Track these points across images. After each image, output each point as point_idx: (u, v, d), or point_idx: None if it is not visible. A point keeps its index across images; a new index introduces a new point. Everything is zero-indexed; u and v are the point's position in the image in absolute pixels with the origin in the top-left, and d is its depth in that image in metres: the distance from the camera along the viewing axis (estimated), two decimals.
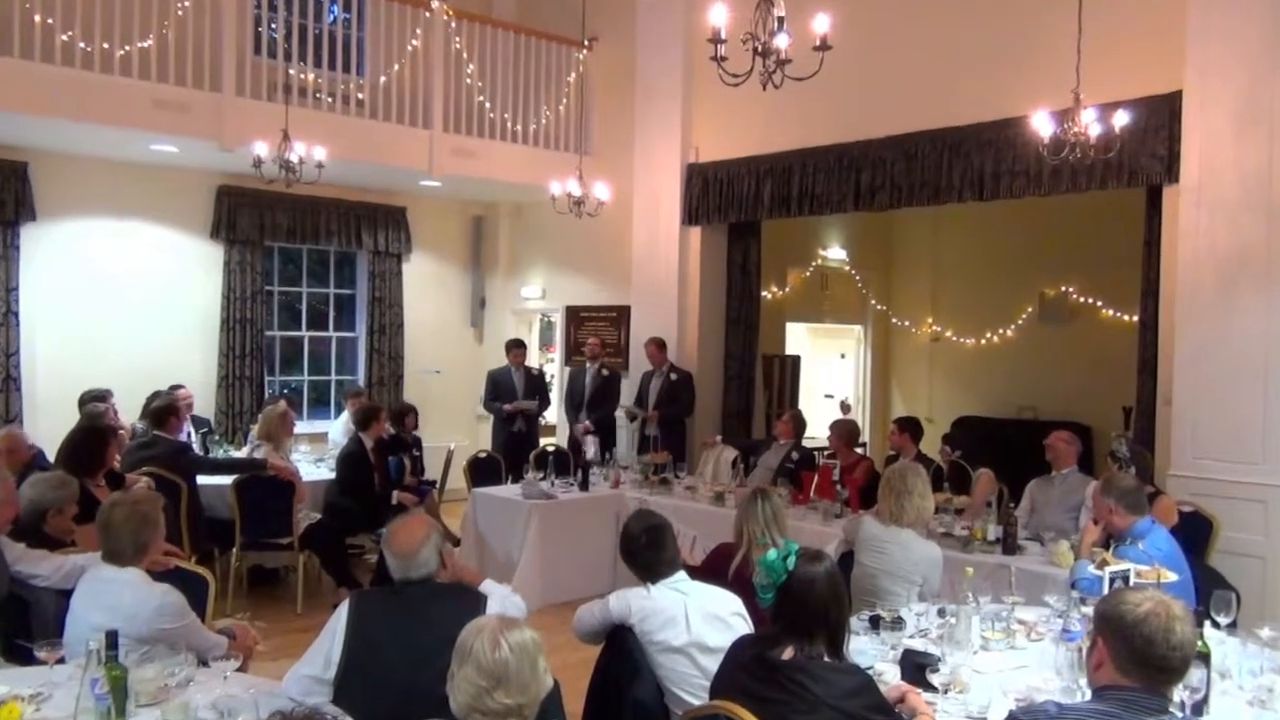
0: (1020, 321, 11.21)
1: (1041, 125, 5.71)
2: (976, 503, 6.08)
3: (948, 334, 11.98)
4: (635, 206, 9.72)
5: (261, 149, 7.35)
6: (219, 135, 8.17)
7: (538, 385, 9.48)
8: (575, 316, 10.84)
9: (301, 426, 9.51)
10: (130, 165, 9.13)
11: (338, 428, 8.94)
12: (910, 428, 6.93)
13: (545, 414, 10.44)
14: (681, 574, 3.59)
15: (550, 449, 8.72)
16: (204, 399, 9.43)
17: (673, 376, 8.97)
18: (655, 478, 7.49)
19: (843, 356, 13.08)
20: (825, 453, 7.34)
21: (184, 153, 8.69)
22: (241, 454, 7.63)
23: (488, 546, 7.26)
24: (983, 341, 11.59)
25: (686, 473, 7.84)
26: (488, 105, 9.80)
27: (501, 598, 3.37)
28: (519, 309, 11.60)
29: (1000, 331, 11.38)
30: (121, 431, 7.33)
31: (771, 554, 2.88)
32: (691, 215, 9.37)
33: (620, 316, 10.22)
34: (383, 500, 7.29)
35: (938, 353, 12.22)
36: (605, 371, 9.24)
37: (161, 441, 6.57)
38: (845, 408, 11.60)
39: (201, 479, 6.70)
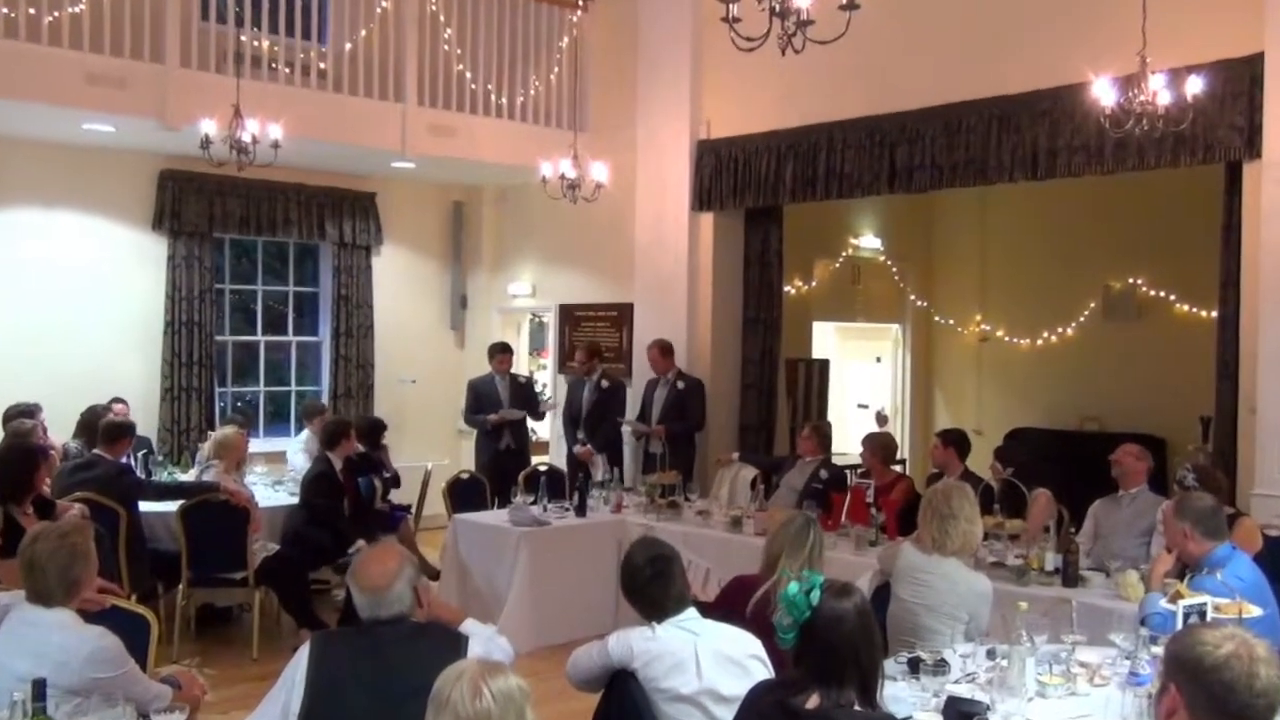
0: (1082, 319, 11.19)
1: (1103, 93, 5.70)
2: (1032, 527, 6.06)
3: (998, 333, 11.96)
4: (638, 190, 9.74)
5: (210, 127, 7.38)
6: (161, 112, 8.20)
7: (526, 395, 9.50)
8: (570, 317, 10.87)
9: (257, 445, 9.52)
10: (60, 148, 9.17)
11: (296, 448, 8.95)
12: (956, 442, 6.91)
13: (536, 427, 10.45)
14: (692, 611, 3.58)
15: (542, 468, 8.72)
16: (145, 414, 9.45)
17: (680, 385, 8.98)
18: (662, 501, 7.49)
19: (878, 360, 13.07)
20: (858, 471, 7.33)
21: (121, 133, 8.73)
22: (189, 477, 7.65)
23: (470, 580, 7.27)
24: (1039, 342, 11.56)
25: (698, 495, 7.84)
26: (468, 75, 9.83)
27: (485, 639, 3.37)
28: (506, 308, 11.63)
29: (1059, 330, 11.36)
30: (52, 452, 7.36)
31: (792, 587, 2.87)
32: (703, 199, 9.38)
33: (622, 316, 10.24)
34: (353, 527, 7.31)
35: (987, 355, 12.20)
36: (605, 383, 9.24)
37: (102, 463, 6.59)
38: (881, 419, 11.59)
39: (143, 505, 6.72)
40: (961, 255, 12.40)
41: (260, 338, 10.83)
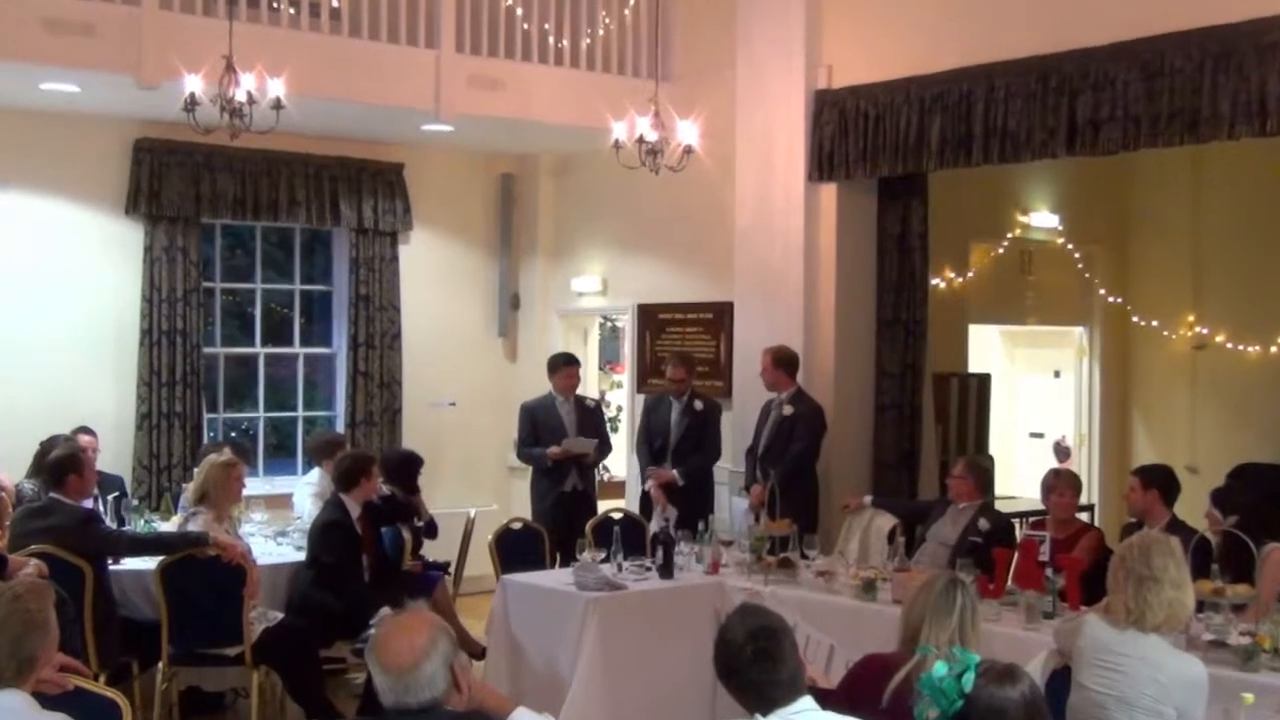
0: None
1: None
2: (1264, 595, 5.94)
3: (1218, 339, 11.75)
4: (738, 156, 9.73)
5: (195, 84, 7.49)
6: (136, 67, 8.36)
7: (596, 423, 9.55)
8: (652, 320, 10.90)
9: (256, 486, 9.68)
10: (11, 113, 9.41)
11: (304, 491, 9.07)
12: (1160, 482, 6.81)
13: (607, 463, 10.48)
14: (807, 701, 3.58)
15: (616, 516, 8.74)
16: (117, 447, 9.66)
17: (697, 405, 9.02)
18: (772, 558, 7.46)
19: (1057, 375, 12.91)
20: (1029, 520, 7.24)
21: (88, 93, 8.95)
22: (170, 526, 7.79)
23: (524, 659, 7.29)
24: (1272, 349, 11.34)
25: (819, 551, 7.80)
26: (519, 12, 9.92)
27: None
28: (569, 310, 11.70)
29: None
30: (2, 494, 7.56)
31: (939, 669, 2.87)
32: (823, 167, 9.34)
33: (718, 319, 10.24)
34: (375, 590, 7.39)
35: (1204, 367, 11.99)
36: (699, 404, 9.24)
37: (60, 509, 6.74)
38: (1063, 452, 11.42)
39: (114, 562, 6.85)
40: (1167, 236, 12.19)
41: (259, 350, 11.02)
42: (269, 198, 10.44)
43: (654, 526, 8.28)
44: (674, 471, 9.04)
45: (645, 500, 9.27)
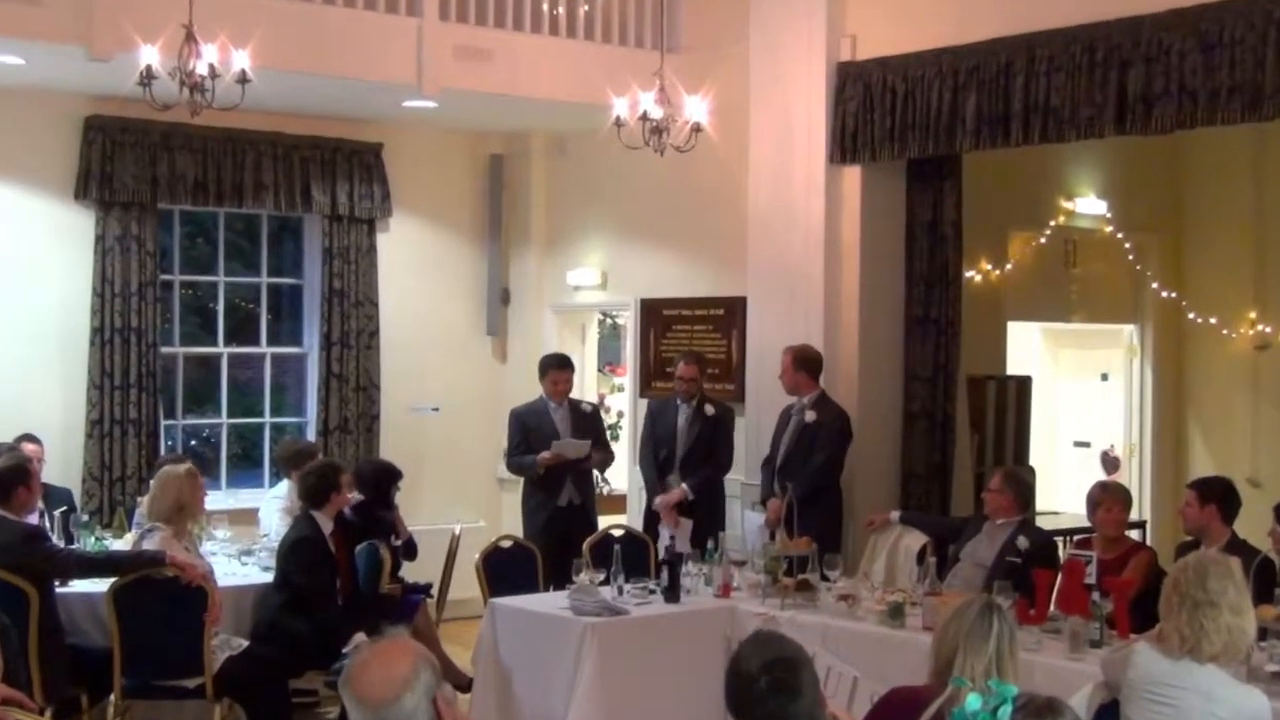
0: None
1: None
2: None
3: None
4: (753, 135, 9.73)
5: (152, 56, 7.50)
6: (87, 37, 8.37)
7: (594, 430, 9.55)
8: (657, 317, 10.91)
9: (218, 499, 9.70)
10: None
11: (272, 505, 9.09)
12: (1219, 496, 6.80)
13: (607, 475, 10.48)
14: None
15: (617, 533, 8.75)
16: (65, 457, 9.69)
17: (708, 410, 9.04)
18: (790, 580, 7.47)
19: (1104, 378, 12.90)
20: (1074, 538, 7.24)
21: (33, 66, 8.95)
22: (124, 544, 7.80)
23: (515, 691, 7.30)
24: None
25: (841, 572, 7.81)
26: None
27: None
28: (564, 305, 11.72)
29: None
30: (35, 463, 7.58)
31: (973, 702, 2.87)
32: (846, 147, 9.34)
33: (729, 316, 10.25)
34: (350, 615, 7.40)
35: (1267, 369, 11.98)
36: (710, 409, 9.25)
37: (2, 525, 6.74)
38: (1111, 463, 11.41)
39: (61, 585, 6.86)
40: (1227, 224, 12.19)
41: (222, 349, 11.05)
42: (233, 181, 10.45)
43: (663, 544, 8.27)
44: (683, 486, 9.04)
45: (650, 515, 9.29)
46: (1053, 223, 11.70)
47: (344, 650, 6.98)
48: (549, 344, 11.14)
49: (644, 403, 10.61)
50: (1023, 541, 7.34)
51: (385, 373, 11.13)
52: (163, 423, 10.35)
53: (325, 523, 7.58)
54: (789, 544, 7.82)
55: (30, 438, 8.76)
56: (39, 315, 9.94)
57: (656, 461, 9.31)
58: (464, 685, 7.52)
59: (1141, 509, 11.55)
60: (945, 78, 8.78)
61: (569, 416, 9.39)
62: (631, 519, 10.14)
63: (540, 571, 8.43)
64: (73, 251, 10.00)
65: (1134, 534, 8.80)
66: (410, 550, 8.58)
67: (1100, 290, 12.39)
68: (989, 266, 11.04)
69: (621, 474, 11.23)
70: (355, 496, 8.13)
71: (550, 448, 9.16)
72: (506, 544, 8.63)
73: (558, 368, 9.49)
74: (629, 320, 11.28)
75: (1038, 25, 8.31)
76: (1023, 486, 7.69)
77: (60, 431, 9.74)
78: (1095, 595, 6.44)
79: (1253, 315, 12.01)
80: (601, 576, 7.46)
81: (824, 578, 7.54)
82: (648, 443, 9.48)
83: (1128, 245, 12.22)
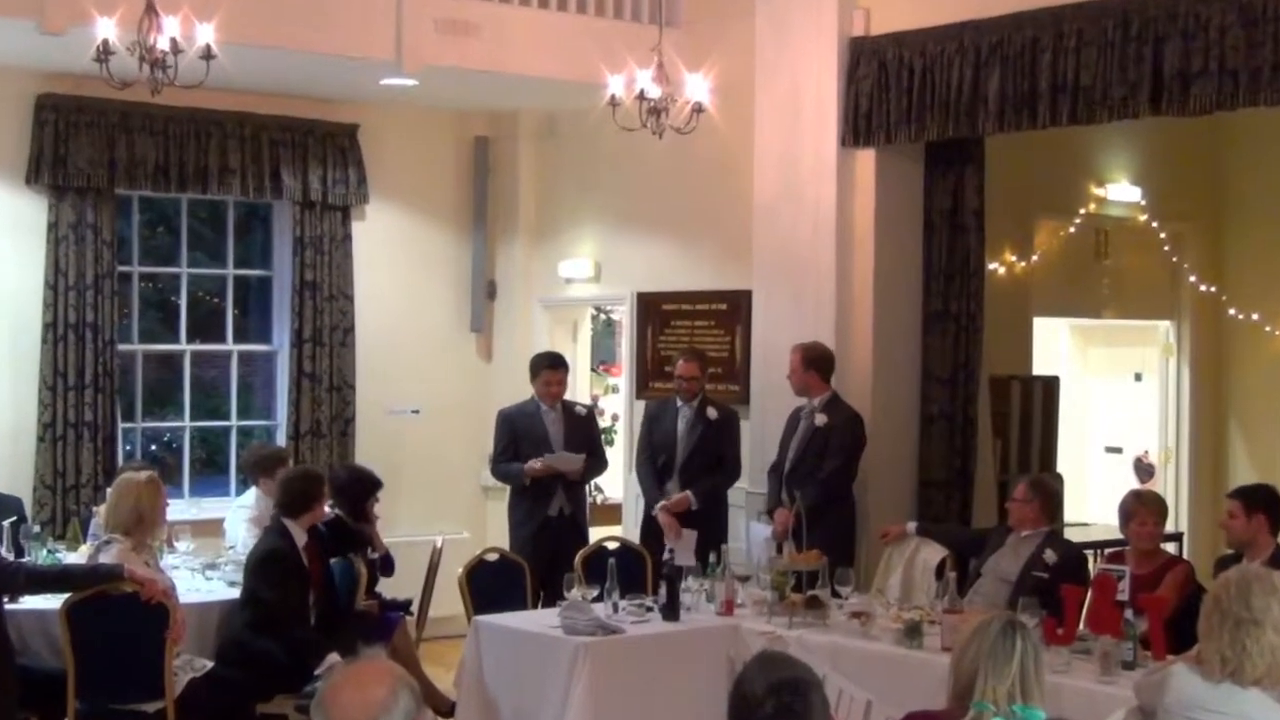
0: None
1: None
2: None
3: None
4: (758, 115, 9.73)
5: (109, 30, 7.50)
6: (38, 10, 8.37)
7: (588, 434, 9.56)
8: (655, 312, 10.91)
9: (180, 509, 9.70)
10: None
11: (238, 515, 9.09)
12: (1264, 504, 6.82)
13: (602, 483, 10.48)
14: None
15: (611, 545, 8.76)
16: (14, 462, 9.70)
17: (710, 413, 9.04)
18: (799, 597, 7.48)
19: (1138, 378, 12.94)
20: (1105, 552, 7.24)
21: None
22: (79, 557, 7.79)
23: (500, 716, 7.31)
24: None
25: (854, 588, 7.81)
26: None
27: None
28: (555, 299, 11.73)
29: None
30: None
31: None
32: (859, 129, 9.35)
33: (733, 311, 10.26)
34: (323, 634, 7.39)
35: None
36: (712, 411, 9.26)
37: None
38: (1145, 471, 11.41)
39: (10, 601, 6.82)
40: (1271, 213, 12.19)
41: (185, 346, 11.04)
42: (197, 165, 10.43)
43: (669, 558, 8.27)
44: (687, 493, 9.04)
45: (646, 526, 9.28)
46: (1083, 211, 11.72)
47: (316, 672, 6.98)
48: (538, 341, 11.15)
49: (641, 405, 10.62)
50: (1050, 555, 7.35)
51: (361, 372, 11.14)
52: (121, 426, 10.34)
53: (299, 534, 7.58)
54: (797, 557, 7.83)
55: None
56: None
57: (655, 468, 9.32)
58: (446, 710, 7.53)
59: (1178, 520, 11.56)
60: (966, 54, 8.78)
61: (562, 420, 9.37)
62: (627, 530, 10.14)
63: (528, 587, 8.44)
64: (23, 241, 9.99)
65: (1170, 547, 8.81)
66: (386, 567, 8.56)
67: (1134, 284, 12.40)
68: (1013, 258, 11.04)
69: (617, 482, 11.23)
70: (330, 509, 8.10)
71: (542, 457, 9.14)
72: (492, 557, 8.63)
73: (550, 367, 9.46)
74: (624, 315, 11.29)
75: None
76: (1050, 495, 7.69)
77: (9, 435, 9.76)
78: (1128, 613, 6.44)
79: None
80: (595, 592, 7.48)
81: (835, 594, 7.54)
82: (645, 448, 9.50)
83: (1163, 235, 12.23)
